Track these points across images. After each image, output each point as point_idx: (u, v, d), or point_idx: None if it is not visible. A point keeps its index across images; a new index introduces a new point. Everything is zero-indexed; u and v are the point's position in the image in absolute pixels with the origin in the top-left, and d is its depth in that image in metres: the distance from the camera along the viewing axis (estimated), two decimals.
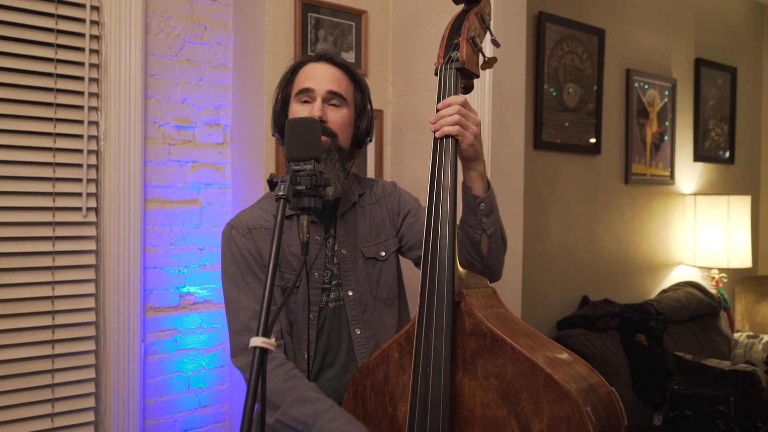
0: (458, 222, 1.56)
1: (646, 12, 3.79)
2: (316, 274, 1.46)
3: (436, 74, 1.35)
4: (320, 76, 1.46)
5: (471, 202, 1.35)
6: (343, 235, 1.50)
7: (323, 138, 1.40)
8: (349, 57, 2.29)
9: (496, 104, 2.05)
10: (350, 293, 1.48)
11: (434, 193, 1.27)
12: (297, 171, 1.14)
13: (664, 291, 3.81)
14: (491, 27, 1.43)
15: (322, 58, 1.50)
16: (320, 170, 1.16)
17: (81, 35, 1.95)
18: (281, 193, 1.06)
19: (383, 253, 1.53)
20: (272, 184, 1.10)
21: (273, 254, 1.02)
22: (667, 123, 3.95)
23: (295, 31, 2.14)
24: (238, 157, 2.27)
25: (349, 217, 1.53)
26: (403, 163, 2.39)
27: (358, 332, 1.46)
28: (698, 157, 4.20)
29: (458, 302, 1.21)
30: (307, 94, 1.45)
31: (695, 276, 4.08)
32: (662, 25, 3.90)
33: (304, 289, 1.44)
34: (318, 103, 1.44)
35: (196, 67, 2.22)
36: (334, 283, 1.48)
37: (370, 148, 2.36)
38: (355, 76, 1.52)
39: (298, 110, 1.46)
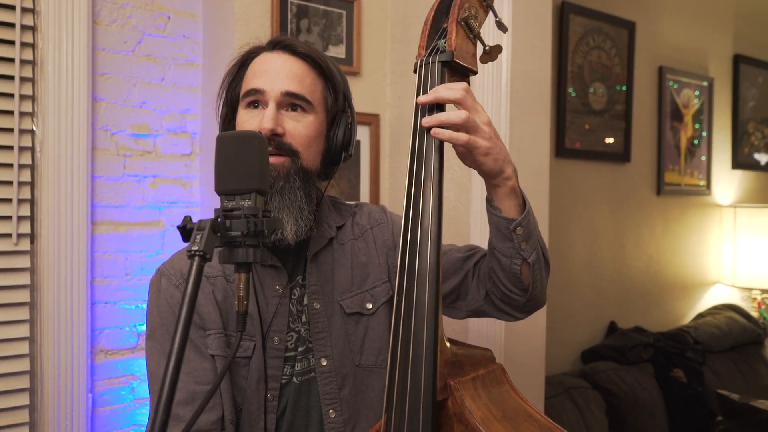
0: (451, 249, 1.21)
1: (681, 3, 3.41)
2: (276, 338, 1.09)
3: (415, 71, 1.00)
4: (273, 72, 1.08)
5: (503, 227, 1.01)
6: (316, 284, 1.13)
7: (278, 159, 1.05)
8: (339, 52, 1.93)
9: (515, 109, 1.68)
10: (324, 362, 1.11)
11: (410, 228, 0.92)
12: (229, 210, 0.79)
13: (700, 315, 3.42)
14: (504, 10, 1.06)
15: (277, 45, 1.12)
16: (263, 208, 0.80)
17: (10, 25, 1.61)
18: (195, 248, 0.71)
19: (370, 306, 1.15)
20: (185, 231, 0.75)
21: (176, 344, 0.67)
22: (697, 126, 3.56)
23: (272, 20, 1.79)
24: (209, 170, 1.92)
25: (324, 259, 1.16)
26: (404, 177, 2.02)
27: (333, 415, 1.09)
28: (737, 164, 3.81)
29: (443, 401, 0.84)
30: (255, 97, 1.08)
31: (734, 297, 3.68)
32: (698, 18, 3.51)
33: (259, 360, 1.07)
34: (270, 110, 1.05)
35: (158, 64, 1.87)
36: (301, 349, 1.11)
37: (364, 159, 2.00)
38: (324, 69, 1.13)
39: (245, 120, 1.08)
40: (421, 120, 0.95)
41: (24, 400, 1.65)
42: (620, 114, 3.07)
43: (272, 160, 1.04)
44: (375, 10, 2.05)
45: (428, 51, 0.98)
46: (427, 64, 0.97)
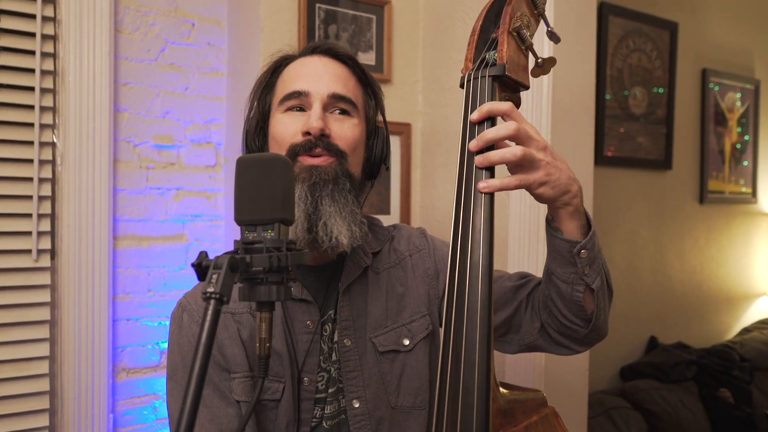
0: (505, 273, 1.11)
1: (725, 3, 3.25)
2: (306, 379, 1.00)
3: (462, 86, 0.91)
4: (316, 74, 1.00)
5: (565, 250, 0.91)
6: (347, 318, 1.03)
7: (326, 160, 0.96)
8: (369, 59, 1.85)
9: (557, 117, 1.58)
10: (356, 405, 1.01)
11: (458, 260, 0.83)
12: (250, 243, 0.71)
13: (746, 330, 3.26)
14: (547, 13, 0.97)
15: (317, 49, 1.04)
16: (288, 240, 0.72)
17: (30, 35, 1.56)
18: (211, 290, 0.63)
19: (407, 342, 1.05)
20: (200, 269, 0.67)
21: (192, 391, 0.59)
22: (739, 129, 3.39)
23: (299, 26, 1.71)
24: (234, 183, 1.85)
25: (357, 291, 1.06)
26: (436, 189, 1.93)
27: None
28: None
29: None
30: (298, 100, 0.99)
31: None
32: (743, 17, 3.36)
33: (288, 403, 0.98)
34: (316, 109, 0.97)
35: (182, 73, 1.81)
36: (331, 390, 1.02)
37: (395, 171, 1.91)
38: (366, 75, 1.07)
39: (285, 122, 0.99)
40: (468, 144, 0.86)
41: (44, 421, 1.60)
42: (661, 119, 2.94)
43: (320, 161, 0.96)
44: (406, 14, 1.96)
45: (476, 64, 0.89)
46: (475, 78, 0.88)
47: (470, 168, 0.85)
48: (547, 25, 0.95)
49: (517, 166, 0.85)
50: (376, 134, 1.08)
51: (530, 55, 0.92)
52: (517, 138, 0.83)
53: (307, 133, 0.96)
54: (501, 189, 0.84)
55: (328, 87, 0.99)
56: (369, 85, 1.07)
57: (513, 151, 0.83)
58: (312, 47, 1.06)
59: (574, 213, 0.90)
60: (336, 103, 0.99)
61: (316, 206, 0.94)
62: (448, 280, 0.84)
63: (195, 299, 1.03)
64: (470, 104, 0.88)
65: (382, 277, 1.08)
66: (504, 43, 0.86)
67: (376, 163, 1.07)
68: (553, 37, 0.95)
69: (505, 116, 0.85)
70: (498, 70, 0.86)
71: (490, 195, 0.85)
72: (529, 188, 0.85)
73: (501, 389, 0.80)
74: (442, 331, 0.83)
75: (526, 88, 0.92)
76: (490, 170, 0.86)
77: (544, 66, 0.92)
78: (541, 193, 0.86)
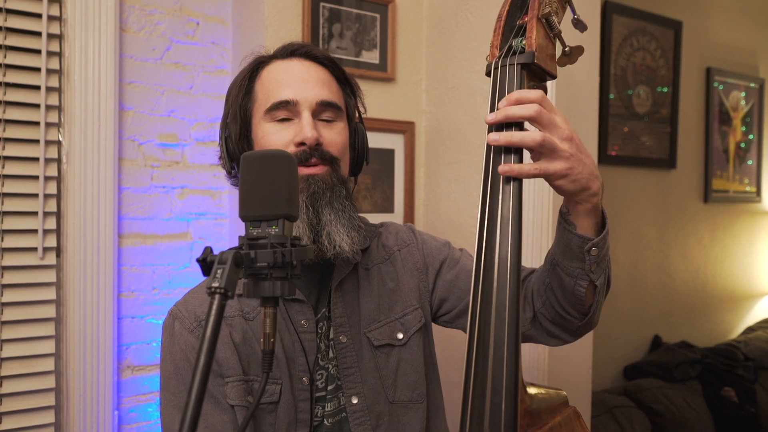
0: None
1: (730, 2, 3.24)
2: (304, 379, 1.00)
3: (488, 74, 0.88)
4: (301, 80, 1.00)
5: (575, 245, 0.88)
6: (341, 315, 1.04)
7: (320, 169, 0.98)
8: (373, 57, 1.85)
9: None
10: (354, 401, 1.01)
11: (484, 254, 0.81)
12: (255, 239, 0.71)
13: (750, 329, 3.26)
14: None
15: (295, 52, 1.04)
16: (293, 236, 0.73)
17: (36, 34, 1.57)
18: (216, 285, 0.63)
19: (401, 336, 1.06)
20: (205, 264, 0.67)
21: (194, 393, 0.60)
22: (743, 128, 3.38)
23: (303, 25, 1.72)
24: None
25: (349, 287, 1.06)
26: (440, 188, 1.93)
27: None
28: None
29: None
30: (286, 110, 0.99)
31: None
32: (748, 16, 3.35)
33: (287, 404, 0.98)
34: (307, 118, 0.98)
35: (186, 72, 1.81)
36: (330, 388, 1.02)
37: (399, 170, 1.92)
38: (344, 74, 1.08)
39: (273, 131, 0.99)
40: (488, 136, 0.84)
41: (49, 417, 1.61)
42: (666, 118, 2.94)
43: (315, 170, 0.98)
44: (410, 13, 1.97)
45: (503, 51, 0.86)
46: (503, 66, 0.84)
47: (497, 158, 0.82)
48: (573, 12, 0.91)
49: (539, 154, 0.82)
50: (356, 132, 1.09)
51: (558, 42, 0.89)
52: (539, 121, 0.80)
53: (301, 144, 0.97)
54: (519, 175, 0.81)
55: (315, 94, 0.99)
56: (347, 84, 1.08)
57: (532, 135, 0.79)
58: (290, 50, 1.05)
59: (592, 210, 0.87)
60: (324, 110, 1.00)
61: (318, 216, 0.96)
62: (474, 275, 0.82)
63: (186, 308, 1.03)
64: (498, 93, 0.85)
65: (372, 272, 1.09)
66: (533, 30, 0.83)
67: (359, 161, 1.09)
68: (579, 25, 0.91)
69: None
70: (527, 58, 0.83)
71: (519, 186, 0.82)
72: (548, 179, 0.83)
73: (529, 389, 0.79)
74: (467, 327, 0.81)
75: (553, 77, 0.88)
76: (518, 155, 0.83)
77: (572, 55, 0.89)
78: (560, 186, 0.83)
